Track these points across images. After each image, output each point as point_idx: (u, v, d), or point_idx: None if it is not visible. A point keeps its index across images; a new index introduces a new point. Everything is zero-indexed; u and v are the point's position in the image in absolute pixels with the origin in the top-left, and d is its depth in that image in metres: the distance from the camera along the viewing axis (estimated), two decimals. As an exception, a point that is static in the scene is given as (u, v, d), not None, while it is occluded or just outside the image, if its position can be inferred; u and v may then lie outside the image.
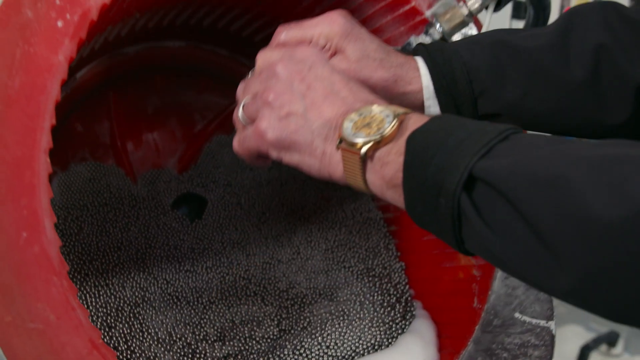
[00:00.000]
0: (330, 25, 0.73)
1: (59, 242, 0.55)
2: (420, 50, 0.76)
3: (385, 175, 0.57)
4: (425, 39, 0.80)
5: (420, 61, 0.75)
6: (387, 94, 0.74)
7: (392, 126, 0.57)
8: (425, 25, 0.82)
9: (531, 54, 0.75)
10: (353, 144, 0.58)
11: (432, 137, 0.55)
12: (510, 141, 0.53)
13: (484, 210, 0.52)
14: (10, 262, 0.54)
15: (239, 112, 0.68)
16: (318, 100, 0.63)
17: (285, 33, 0.75)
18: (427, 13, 0.82)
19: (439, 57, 0.75)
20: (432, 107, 0.76)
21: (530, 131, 0.82)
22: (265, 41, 0.98)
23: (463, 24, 0.80)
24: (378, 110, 0.59)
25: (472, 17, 0.81)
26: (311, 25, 0.74)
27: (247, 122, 0.68)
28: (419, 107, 0.76)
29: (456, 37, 0.81)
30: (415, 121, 0.58)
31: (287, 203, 1.01)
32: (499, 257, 0.52)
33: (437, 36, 0.80)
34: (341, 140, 0.59)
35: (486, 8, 0.81)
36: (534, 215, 0.48)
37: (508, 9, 0.86)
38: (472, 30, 0.83)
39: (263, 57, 0.70)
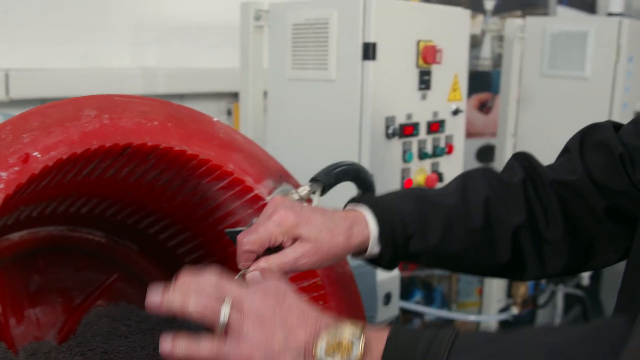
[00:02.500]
0: (281, 222, 0.89)
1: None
2: (364, 201, 0.98)
3: None
4: (266, 220, 0.98)
5: (367, 213, 0.97)
6: (345, 251, 0.94)
7: (361, 348, 0.72)
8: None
9: (444, 210, 1.00)
10: None
11: (400, 352, 0.72)
12: (459, 340, 0.71)
13: None
14: None
15: (223, 314, 0.75)
16: (294, 326, 0.75)
17: (246, 241, 0.89)
18: (267, 198, 1.01)
19: (381, 208, 0.98)
20: (375, 248, 0.97)
21: (445, 270, 1.11)
22: (137, 224, 1.15)
23: (296, 209, 0.99)
24: (345, 332, 0.73)
25: (303, 200, 1.00)
26: (266, 228, 0.89)
27: (224, 330, 0.76)
28: (364, 251, 0.96)
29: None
30: (374, 336, 0.74)
31: (159, 366, 1.13)
32: None
33: (275, 217, 0.98)
34: None
35: (314, 193, 1.01)
36: None
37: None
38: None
39: (240, 292, 0.78)
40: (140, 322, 1.19)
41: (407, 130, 1.64)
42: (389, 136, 1.60)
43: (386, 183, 1.62)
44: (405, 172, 1.67)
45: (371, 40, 1.53)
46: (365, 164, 1.57)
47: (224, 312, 0.75)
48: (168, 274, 1.23)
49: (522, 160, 1.06)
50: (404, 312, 2.87)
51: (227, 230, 1.00)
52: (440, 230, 0.99)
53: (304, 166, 1.69)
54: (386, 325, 0.76)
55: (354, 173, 1.06)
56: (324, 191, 1.02)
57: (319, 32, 1.61)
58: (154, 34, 2.16)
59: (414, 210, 0.99)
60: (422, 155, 1.70)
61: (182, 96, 2.23)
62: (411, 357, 0.71)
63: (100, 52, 2.08)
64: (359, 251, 0.97)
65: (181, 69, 2.22)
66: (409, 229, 0.98)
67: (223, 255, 1.12)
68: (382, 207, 0.98)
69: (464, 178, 1.05)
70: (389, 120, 1.60)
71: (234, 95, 2.34)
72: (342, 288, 1.06)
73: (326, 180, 1.01)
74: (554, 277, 1.08)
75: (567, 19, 2.98)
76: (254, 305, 0.76)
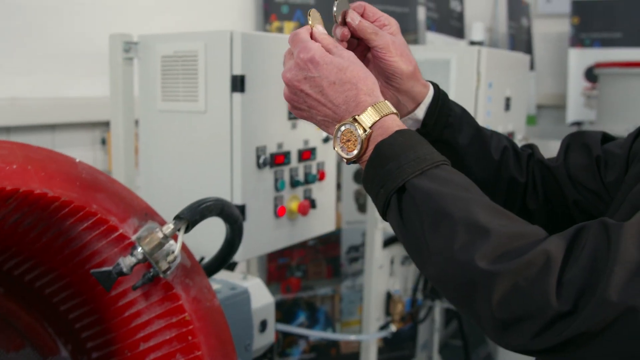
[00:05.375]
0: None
1: None
2: (431, 82, 1.19)
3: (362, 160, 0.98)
4: (131, 260, 0.99)
5: (430, 85, 1.17)
6: (412, 78, 1.13)
7: (360, 149, 0.96)
8: (131, 247, 1.01)
9: (478, 129, 1.21)
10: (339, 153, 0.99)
11: (391, 150, 0.92)
12: (439, 169, 0.90)
13: (404, 210, 0.90)
14: None
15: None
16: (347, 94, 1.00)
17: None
18: (133, 237, 1.02)
19: (442, 90, 1.18)
20: (422, 110, 1.16)
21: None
22: (1, 265, 1.12)
23: (161, 245, 1.01)
24: (355, 129, 0.96)
25: (168, 238, 1.02)
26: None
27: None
28: (416, 103, 1.15)
29: (157, 254, 1.01)
30: (380, 133, 0.95)
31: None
32: (402, 239, 0.92)
33: (140, 256, 0.99)
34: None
35: (179, 230, 1.03)
36: (429, 230, 0.85)
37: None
38: (173, 246, 1.03)
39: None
40: (7, 366, 1.17)
41: (279, 159, 1.68)
42: (260, 166, 1.63)
43: (258, 212, 1.65)
44: (278, 200, 1.71)
45: (239, 72, 1.56)
46: (237, 193, 1.60)
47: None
48: (36, 315, 1.21)
49: (527, 146, 1.29)
50: (287, 335, 2.90)
51: (93, 271, 1.01)
52: (468, 139, 1.19)
53: (177, 198, 1.70)
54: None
55: (219, 209, 1.09)
56: (188, 228, 1.04)
57: (188, 65, 1.63)
58: (22, 63, 2.11)
59: (460, 113, 1.19)
60: (294, 183, 1.74)
61: (53, 127, 2.19)
62: (395, 156, 0.91)
63: (-36, 83, 2.01)
64: (412, 102, 1.15)
65: (52, 99, 2.18)
66: (451, 119, 1.17)
67: (92, 294, 1.12)
68: (441, 91, 1.18)
69: (493, 132, 1.26)
70: (260, 150, 1.63)
71: (108, 124, 2.32)
72: (211, 323, 1.09)
73: (190, 217, 1.03)
74: None
75: (432, 47, 3.11)
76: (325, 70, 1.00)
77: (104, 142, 2.36)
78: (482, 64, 2.24)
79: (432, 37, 3.49)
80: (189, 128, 1.66)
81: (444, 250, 0.83)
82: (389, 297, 2.60)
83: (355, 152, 0.97)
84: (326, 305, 3.26)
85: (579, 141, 1.22)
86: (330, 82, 1.00)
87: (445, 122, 1.18)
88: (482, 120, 2.25)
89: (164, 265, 1.01)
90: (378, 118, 0.97)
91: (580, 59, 4.71)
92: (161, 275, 1.02)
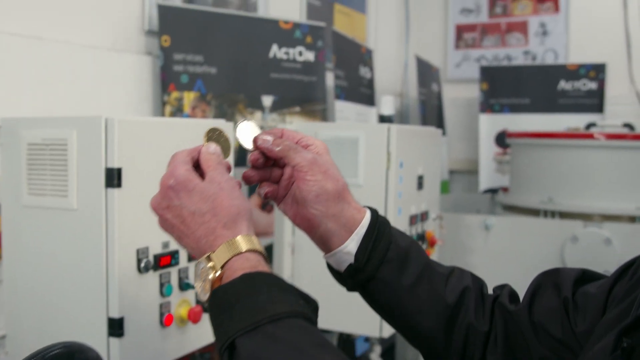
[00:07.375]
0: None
1: None
2: (369, 208, 1.05)
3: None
4: None
5: (367, 211, 1.04)
6: (340, 199, 1.00)
7: (206, 292, 0.85)
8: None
9: (429, 266, 1.04)
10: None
11: (225, 298, 0.81)
12: (278, 324, 0.77)
13: None
14: None
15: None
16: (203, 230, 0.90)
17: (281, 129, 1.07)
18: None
19: (381, 217, 1.03)
20: (354, 241, 1.01)
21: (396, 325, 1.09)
22: None
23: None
24: (207, 268, 0.85)
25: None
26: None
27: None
28: (349, 232, 1.01)
29: None
30: (228, 276, 0.83)
31: None
32: None
33: None
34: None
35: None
36: None
37: None
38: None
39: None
40: None
41: (164, 260, 1.47)
42: (141, 270, 1.41)
43: (140, 324, 1.42)
44: (164, 308, 1.48)
45: (115, 165, 1.35)
46: (114, 304, 1.37)
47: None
48: None
49: (499, 287, 1.10)
50: None
51: None
52: (413, 279, 1.02)
53: (45, 302, 1.46)
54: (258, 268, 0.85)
55: (66, 358, 0.86)
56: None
57: (57, 155, 1.41)
58: None
59: (406, 244, 1.04)
60: (184, 286, 1.52)
61: None
62: (230, 306, 0.80)
63: None
64: (347, 228, 1.01)
65: None
66: (391, 253, 1.01)
67: None
68: (381, 217, 1.04)
69: (455, 268, 1.09)
70: (142, 253, 1.41)
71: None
72: None
73: (22, 379, 0.80)
74: None
75: (339, 125, 2.93)
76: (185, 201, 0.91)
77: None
78: (392, 143, 2.09)
79: (341, 105, 3.36)
80: (58, 227, 1.43)
81: None
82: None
83: (208, 294, 0.86)
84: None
85: (551, 280, 1.03)
86: (190, 212, 0.90)
87: (383, 257, 1.02)
88: (392, 202, 2.10)
89: None
90: (229, 257, 0.85)
91: (490, 124, 4.69)
92: None
